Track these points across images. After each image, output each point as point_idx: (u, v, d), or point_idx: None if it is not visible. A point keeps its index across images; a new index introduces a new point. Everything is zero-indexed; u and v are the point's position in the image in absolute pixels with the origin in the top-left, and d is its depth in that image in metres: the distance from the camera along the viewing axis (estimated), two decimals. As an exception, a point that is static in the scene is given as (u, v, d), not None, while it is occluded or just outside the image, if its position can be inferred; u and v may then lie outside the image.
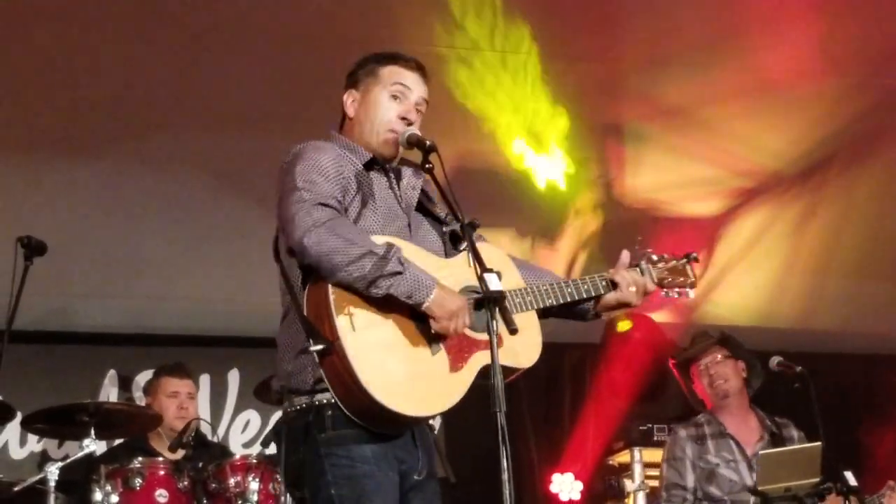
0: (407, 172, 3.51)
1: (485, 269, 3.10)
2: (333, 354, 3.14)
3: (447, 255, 3.45)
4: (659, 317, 7.13)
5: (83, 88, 6.16)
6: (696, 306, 7.28)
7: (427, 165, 3.34)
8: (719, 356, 5.74)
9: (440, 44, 6.41)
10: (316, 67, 5.89)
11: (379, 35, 5.94)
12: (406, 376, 3.18)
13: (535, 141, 6.86)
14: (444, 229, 3.48)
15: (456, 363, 3.25)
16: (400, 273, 3.16)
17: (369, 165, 3.45)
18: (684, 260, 3.77)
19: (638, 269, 3.65)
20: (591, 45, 6.55)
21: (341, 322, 3.15)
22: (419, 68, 3.52)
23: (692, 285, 3.74)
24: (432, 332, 3.23)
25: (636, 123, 6.93)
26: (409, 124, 3.45)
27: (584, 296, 3.56)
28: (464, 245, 3.36)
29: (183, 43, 6.06)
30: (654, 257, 3.72)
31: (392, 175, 3.49)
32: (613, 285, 3.59)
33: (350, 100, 3.53)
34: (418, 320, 3.24)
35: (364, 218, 3.33)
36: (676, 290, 3.72)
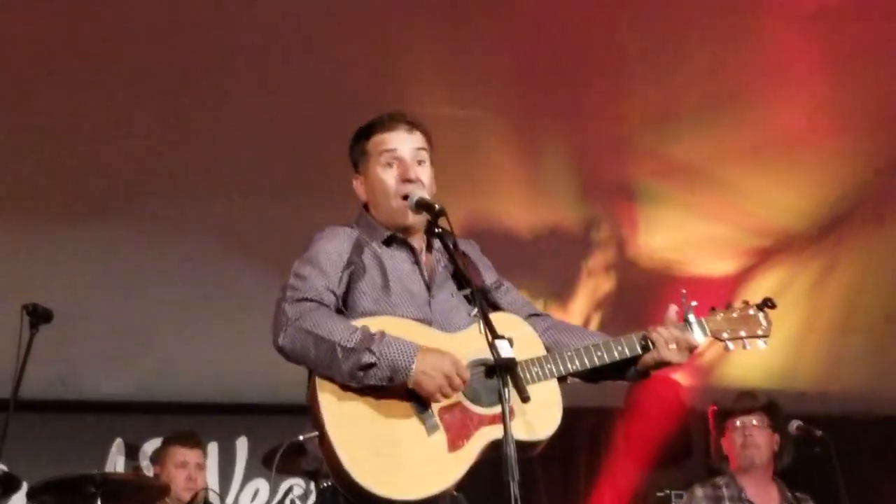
0: (439, 242, 3.49)
1: (495, 336, 3.06)
2: (324, 442, 3.18)
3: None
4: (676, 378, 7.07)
5: (88, 152, 6.18)
6: (712, 368, 7.20)
7: (437, 230, 3.36)
8: (759, 422, 5.66)
9: (449, 104, 6.38)
10: (329, 130, 5.50)
11: (386, 97, 5.75)
12: (397, 461, 3.16)
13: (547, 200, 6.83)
14: (460, 294, 3.46)
15: (456, 441, 3.23)
16: (373, 364, 3.14)
17: (389, 242, 3.46)
18: (755, 308, 3.64)
19: (685, 325, 3.50)
20: (599, 102, 6.54)
21: (327, 411, 3.17)
22: (399, 121, 3.52)
23: (765, 335, 3.60)
24: (429, 404, 3.21)
25: (648, 181, 6.89)
26: (412, 181, 3.44)
27: (617, 358, 3.45)
28: (474, 311, 3.35)
29: (190, 104, 6.07)
30: (715, 309, 3.59)
31: (417, 248, 3.47)
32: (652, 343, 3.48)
33: (359, 186, 3.56)
34: (413, 395, 3.23)
35: (366, 297, 3.33)
36: (743, 341, 3.58)
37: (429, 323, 3.36)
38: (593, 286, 7.21)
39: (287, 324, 3.19)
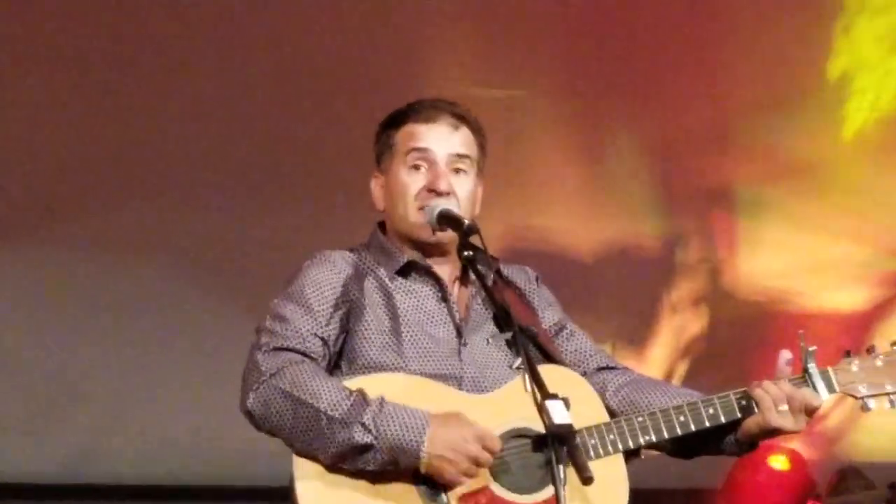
0: (477, 270, 3.48)
1: (546, 395, 3.02)
2: None
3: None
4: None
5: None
6: (837, 437, 7.09)
7: (465, 253, 3.35)
8: None
9: (483, 83, 6.54)
10: (317, 120, 6.26)
11: (399, 74, 6.18)
12: None
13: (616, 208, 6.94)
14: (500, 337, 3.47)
15: None
16: (370, 446, 3.16)
17: (406, 271, 3.49)
18: None
19: (803, 377, 3.45)
20: (685, 82, 6.70)
21: (303, 492, 3.21)
22: (443, 112, 3.53)
23: None
24: (446, 489, 3.23)
25: (750, 185, 6.97)
26: (440, 194, 3.44)
27: (707, 425, 3.40)
28: (518, 362, 3.36)
29: (126, 82, 6.27)
30: (850, 355, 3.52)
31: (446, 279, 3.49)
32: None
33: (377, 187, 3.59)
34: (422, 476, 3.23)
35: (369, 345, 3.38)
36: (890, 397, 3.48)
37: (457, 380, 3.37)
38: (678, 326, 7.13)
39: (259, 381, 3.23)
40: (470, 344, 3.45)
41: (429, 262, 3.50)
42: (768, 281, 7.11)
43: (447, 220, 3.40)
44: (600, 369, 3.60)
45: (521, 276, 3.65)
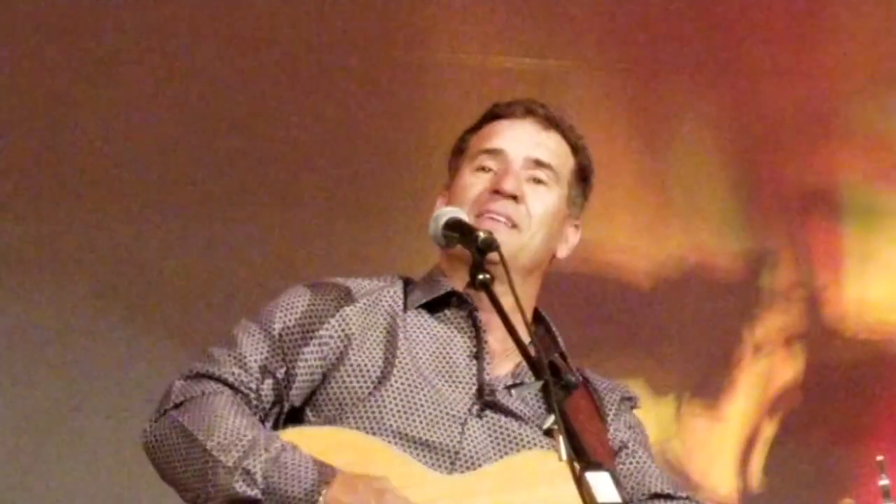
0: (494, 298, 3.36)
1: (589, 465, 2.80)
2: None
3: None
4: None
5: None
6: None
7: (480, 277, 3.16)
8: None
9: (509, 51, 6.26)
10: (296, 107, 6.06)
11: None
12: None
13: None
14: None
15: None
16: (256, 500, 3.11)
17: (438, 305, 3.41)
18: None
19: None
20: (779, 56, 6.39)
21: None
22: (531, 111, 3.51)
23: None
24: None
25: (861, 187, 6.49)
26: (503, 194, 3.36)
27: None
28: (550, 421, 3.21)
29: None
30: None
31: (482, 321, 3.40)
32: None
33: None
34: None
35: (343, 393, 3.31)
36: None
37: (450, 455, 3.26)
38: (764, 372, 6.50)
39: (160, 410, 3.27)
40: (488, 418, 3.30)
41: (475, 298, 3.35)
42: (884, 313, 6.52)
43: (455, 232, 3.25)
44: (655, 496, 3.49)
45: (606, 386, 3.55)
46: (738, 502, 6.17)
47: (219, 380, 3.24)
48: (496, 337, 3.39)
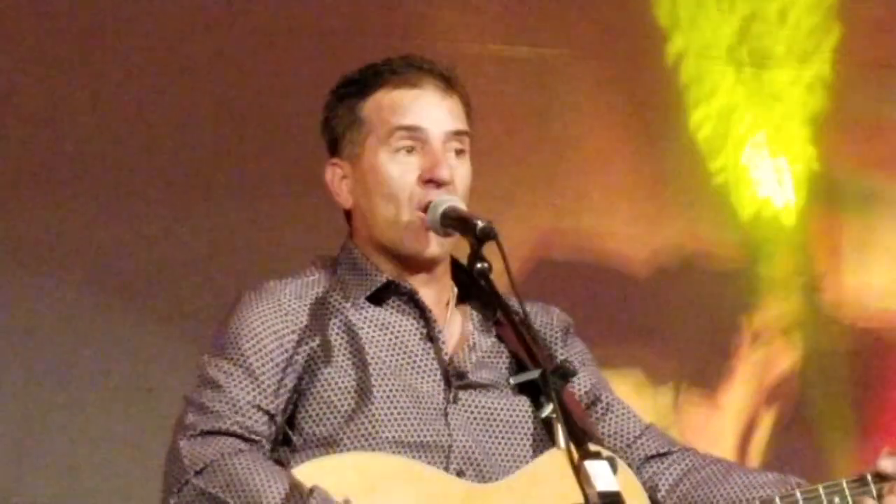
0: (478, 304, 3.48)
1: (587, 454, 2.81)
2: None
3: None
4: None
5: None
6: None
7: (479, 266, 3.15)
8: None
9: (506, 38, 6.23)
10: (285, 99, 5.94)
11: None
12: None
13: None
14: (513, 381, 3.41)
15: None
16: None
17: (379, 297, 3.39)
18: None
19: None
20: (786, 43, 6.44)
21: None
22: (429, 74, 3.45)
23: None
24: None
25: (859, 172, 6.52)
26: (443, 183, 3.35)
27: None
28: (547, 410, 3.28)
29: None
30: None
31: (431, 306, 3.40)
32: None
33: (336, 179, 3.48)
34: None
35: (330, 409, 3.28)
36: None
37: (443, 451, 3.26)
38: (762, 360, 6.51)
39: (181, 480, 3.14)
40: (463, 400, 3.30)
41: (410, 282, 3.36)
42: (884, 300, 6.57)
43: (454, 222, 3.25)
44: (649, 459, 3.52)
45: (543, 318, 3.55)
46: (736, 490, 6.16)
47: (227, 434, 3.20)
48: (441, 322, 3.42)
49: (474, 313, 3.47)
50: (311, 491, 3.06)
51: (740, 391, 6.51)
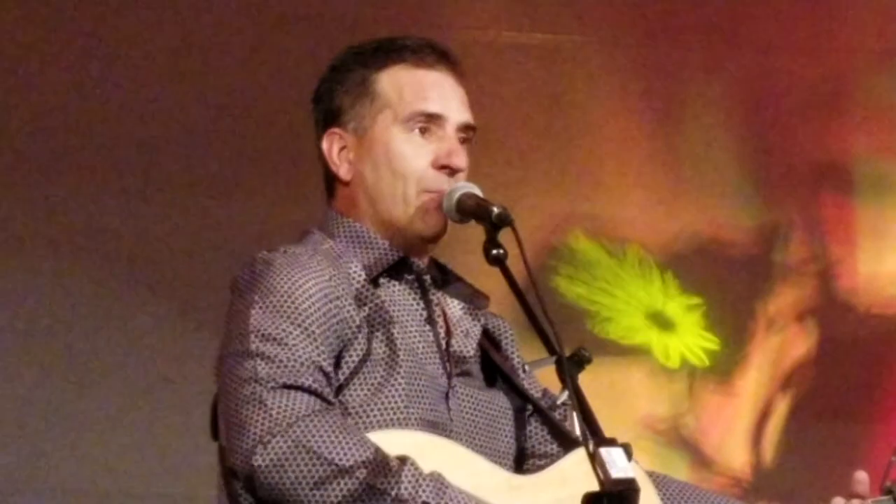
0: (459, 292, 3.46)
1: (602, 441, 2.85)
2: None
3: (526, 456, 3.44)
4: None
5: None
6: None
7: (494, 252, 3.17)
8: None
9: (511, 25, 6.26)
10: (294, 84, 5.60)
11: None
12: None
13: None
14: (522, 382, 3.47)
15: None
16: None
17: (395, 271, 3.37)
18: None
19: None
20: (793, 27, 6.40)
21: None
22: (444, 58, 3.40)
23: None
24: None
25: (874, 160, 6.53)
26: (457, 170, 3.35)
27: None
28: (563, 397, 3.38)
29: None
30: None
31: (433, 290, 3.42)
32: None
33: (336, 149, 3.40)
34: None
35: (362, 384, 3.25)
36: None
37: (446, 433, 3.25)
38: (777, 346, 6.56)
39: (272, 431, 3.02)
40: (458, 387, 3.30)
41: (418, 260, 3.36)
42: None
43: (471, 207, 3.22)
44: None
45: (495, 321, 3.53)
46: (750, 477, 6.19)
47: (306, 390, 3.09)
48: (450, 305, 3.43)
49: (455, 301, 3.44)
50: (404, 461, 3.04)
51: (755, 377, 6.55)
